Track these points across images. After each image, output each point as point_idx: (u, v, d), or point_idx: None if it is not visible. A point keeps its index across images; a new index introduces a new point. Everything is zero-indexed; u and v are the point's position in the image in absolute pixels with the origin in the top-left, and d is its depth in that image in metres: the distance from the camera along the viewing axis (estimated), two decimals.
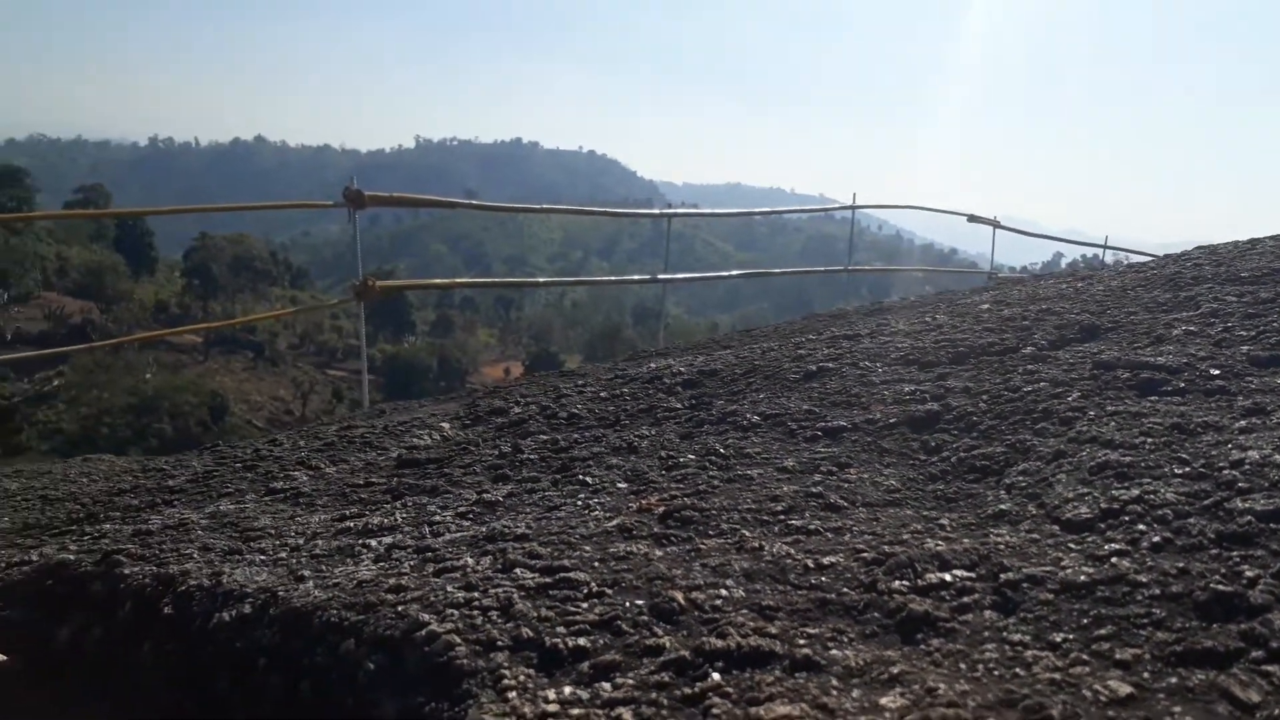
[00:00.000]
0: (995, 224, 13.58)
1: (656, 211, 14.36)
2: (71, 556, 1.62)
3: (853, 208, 13.29)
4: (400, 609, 1.04)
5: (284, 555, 1.40)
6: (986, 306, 3.29)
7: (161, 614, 1.29)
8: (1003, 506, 1.30)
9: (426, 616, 1.00)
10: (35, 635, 1.56)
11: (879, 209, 16.53)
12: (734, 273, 15.76)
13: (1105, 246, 15.97)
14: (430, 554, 1.26)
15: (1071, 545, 1.11)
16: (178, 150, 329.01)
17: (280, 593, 1.18)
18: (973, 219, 13.47)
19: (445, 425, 3.15)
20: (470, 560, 1.20)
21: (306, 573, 1.26)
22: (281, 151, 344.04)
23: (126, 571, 1.46)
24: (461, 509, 1.54)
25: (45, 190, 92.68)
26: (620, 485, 1.60)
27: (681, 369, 3.00)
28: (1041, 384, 1.92)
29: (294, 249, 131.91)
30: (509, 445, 2.22)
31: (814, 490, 1.42)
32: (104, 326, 65.68)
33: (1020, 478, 1.42)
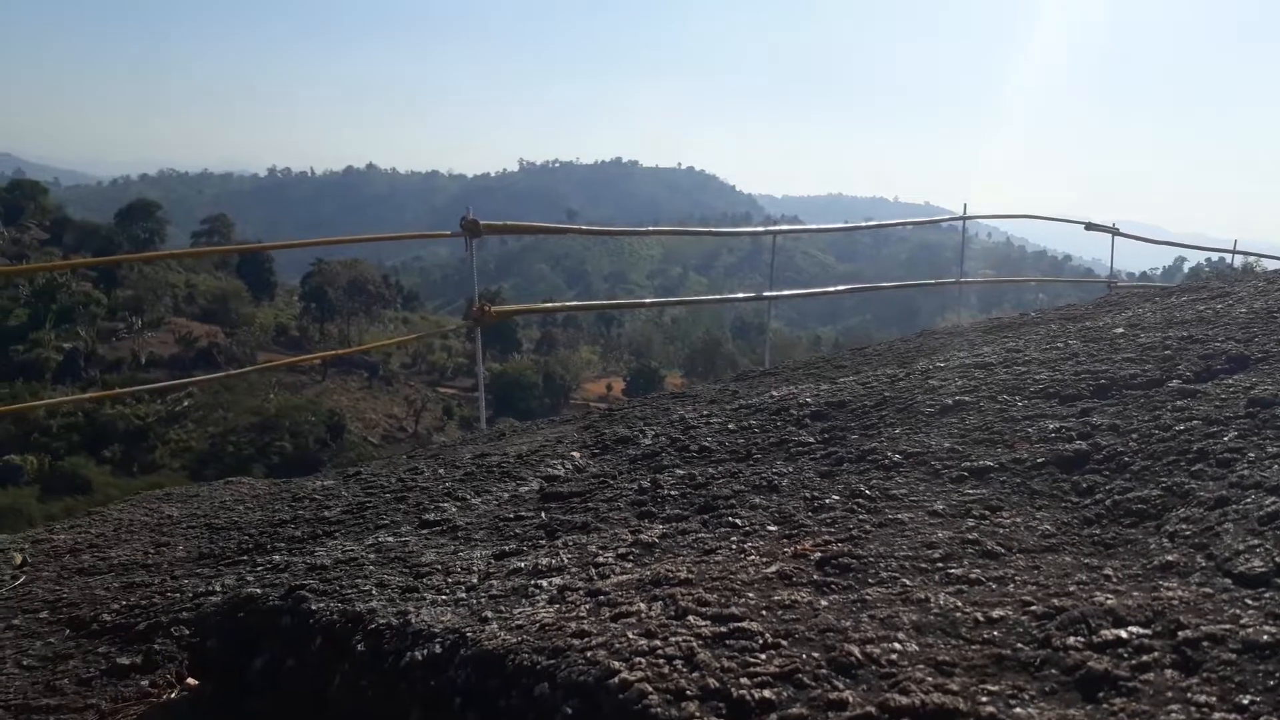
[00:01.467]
0: (1115, 231, 13.07)
1: (761, 230, 14.36)
2: (258, 590, 1.75)
3: (963, 219, 13.01)
4: (589, 654, 1.11)
5: (461, 595, 1.50)
6: (1121, 331, 3.21)
7: (353, 650, 1.40)
8: (1169, 557, 1.29)
9: (617, 664, 1.06)
10: (230, 664, 1.70)
11: (990, 219, 16.12)
12: (841, 288, 15.59)
13: (1234, 251, 15.18)
14: (602, 597, 1.33)
15: (1249, 602, 1.10)
16: (295, 180, 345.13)
17: (468, 634, 1.27)
18: (1090, 227, 13.01)
19: (576, 454, 3.25)
20: (643, 605, 1.26)
21: (489, 614, 1.35)
22: (392, 178, 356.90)
23: (314, 607, 1.58)
24: (620, 550, 1.61)
25: (175, 221, 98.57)
26: (770, 528, 1.64)
27: (808, 399, 3.02)
28: (1194, 422, 1.88)
29: (405, 272, 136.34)
30: (647, 480, 2.29)
31: (969, 536, 1.44)
32: (228, 349, 69.22)
33: (1183, 525, 1.40)
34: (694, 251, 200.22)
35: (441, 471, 3.29)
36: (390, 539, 2.30)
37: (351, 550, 2.17)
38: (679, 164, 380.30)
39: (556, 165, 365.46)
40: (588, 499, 2.27)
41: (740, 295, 12.99)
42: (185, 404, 60.15)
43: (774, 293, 10.68)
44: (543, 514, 2.21)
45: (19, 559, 3.00)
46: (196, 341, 70.19)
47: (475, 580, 1.58)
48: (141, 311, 71.55)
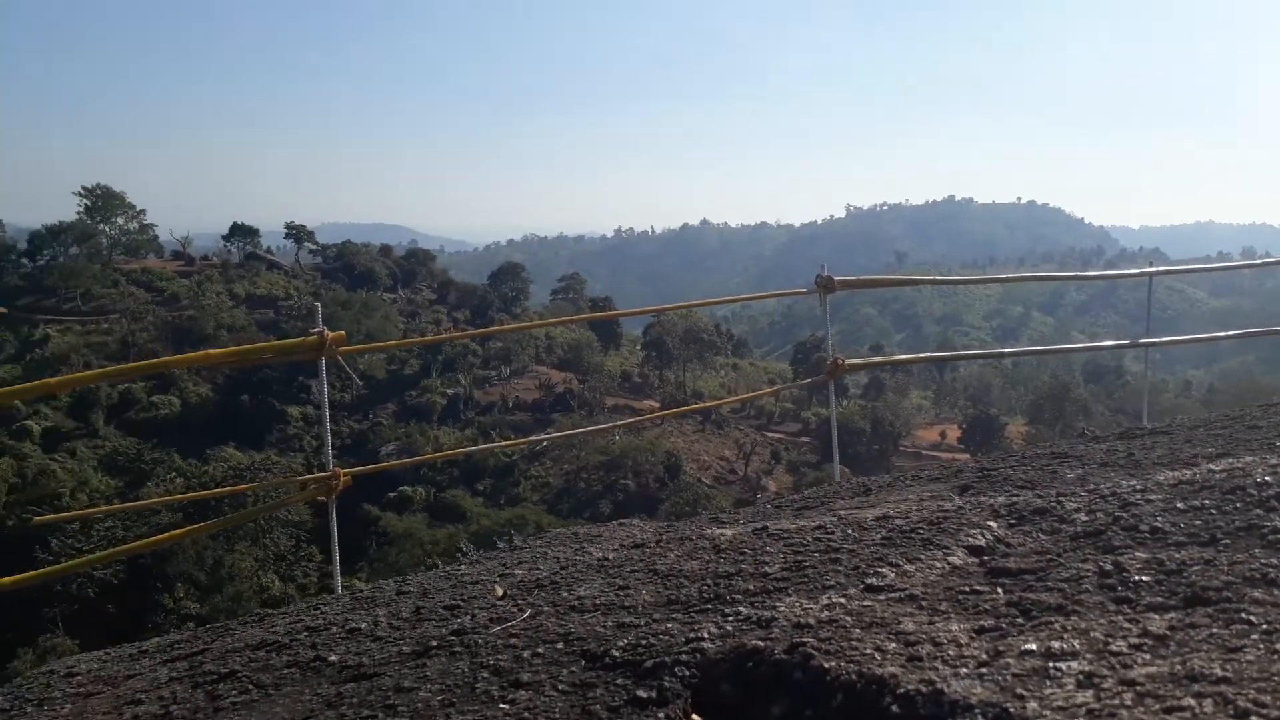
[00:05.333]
0: None
1: (1136, 272, 13.11)
2: (760, 643, 1.99)
3: None
4: None
5: (976, 669, 1.62)
6: None
7: (886, 711, 1.57)
8: None
9: None
10: (741, 709, 1.94)
11: None
12: (1229, 333, 13.82)
13: None
14: (1139, 688, 1.40)
15: None
16: (637, 239, 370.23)
17: (1010, 709, 1.39)
18: None
19: (993, 524, 3.26)
20: (1191, 701, 1.31)
21: (1021, 691, 1.46)
22: (723, 232, 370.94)
23: (825, 665, 1.78)
24: (1131, 639, 1.65)
25: (536, 280, 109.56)
26: None
27: (1266, 477, 2.81)
28: None
29: (734, 320, 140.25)
30: (1107, 563, 2.27)
31: None
32: (581, 394, 75.19)
33: None
34: (1036, 289, 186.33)
35: (850, 532, 3.44)
36: (840, 599, 2.48)
37: (813, 610, 2.37)
38: (1018, 199, 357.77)
39: (884, 208, 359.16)
40: (1043, 577, 2.30)
41: (1109, 343, 11.96)
42: (544, 444, 65.92)
43: (1152, 339, 9.70)
44: (999, 590, 2.27)
45: (500, 591, 3.56)
46: (555, 387, 77.03)
47: (981, 655, 1.69)
48: (509, 361, 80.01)
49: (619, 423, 25.55)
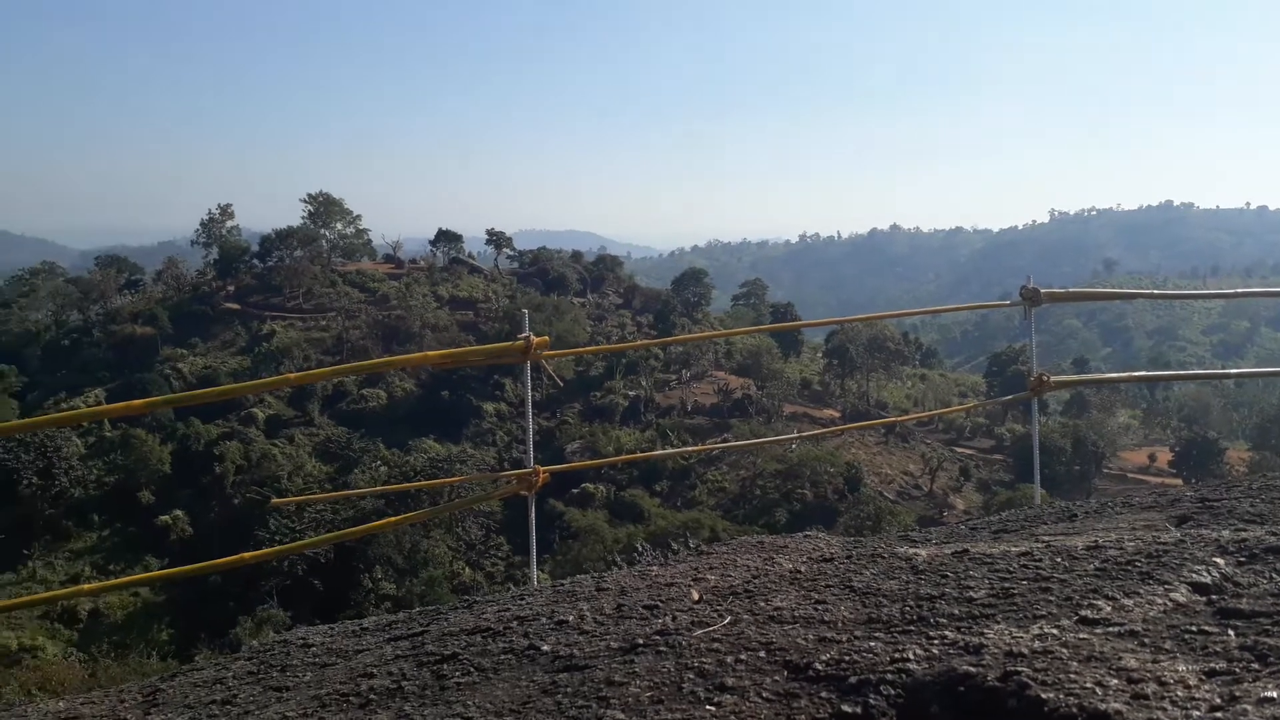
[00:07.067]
0: None
1: None
2: (971, 669, 1.99)
3: None
4: None
5: (1206, 711, 1.57)
6: None
7: None
8: None
9: None
10: None
11: None
12: None
13: None
14: None
15: None
16: (822, 244, 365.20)
17: None
18: None
19: (1220, 561, 3.06)
20: None
21: None
22: (914, 237, 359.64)
23: (1043, 695, 1.76)
24: None
25: (718, 286, 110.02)
26: None
27: None
28: None
29: (923, 329, 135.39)
30: None
31: None
32: (759, 400, 74.82)
33: None
34: (1265, 302, 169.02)
35: (1060, 560, 3.32)
36: (1056, 631, 2.41)
37: (1024, 639, 2.33)
38: (1247, 204, 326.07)
39: (1092, 213, 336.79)
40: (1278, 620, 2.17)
41: None
42: (721, 450, 66.06)
43: None
44: (1231, 632, 2.16)
45: (696, 595, 3.67)
46: (733, 393, 77.09)
47: (1214, 699, 1.63)
48: (689, 365, 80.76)
49: (802, 434, 25.30)
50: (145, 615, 50.57)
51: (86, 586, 14.56)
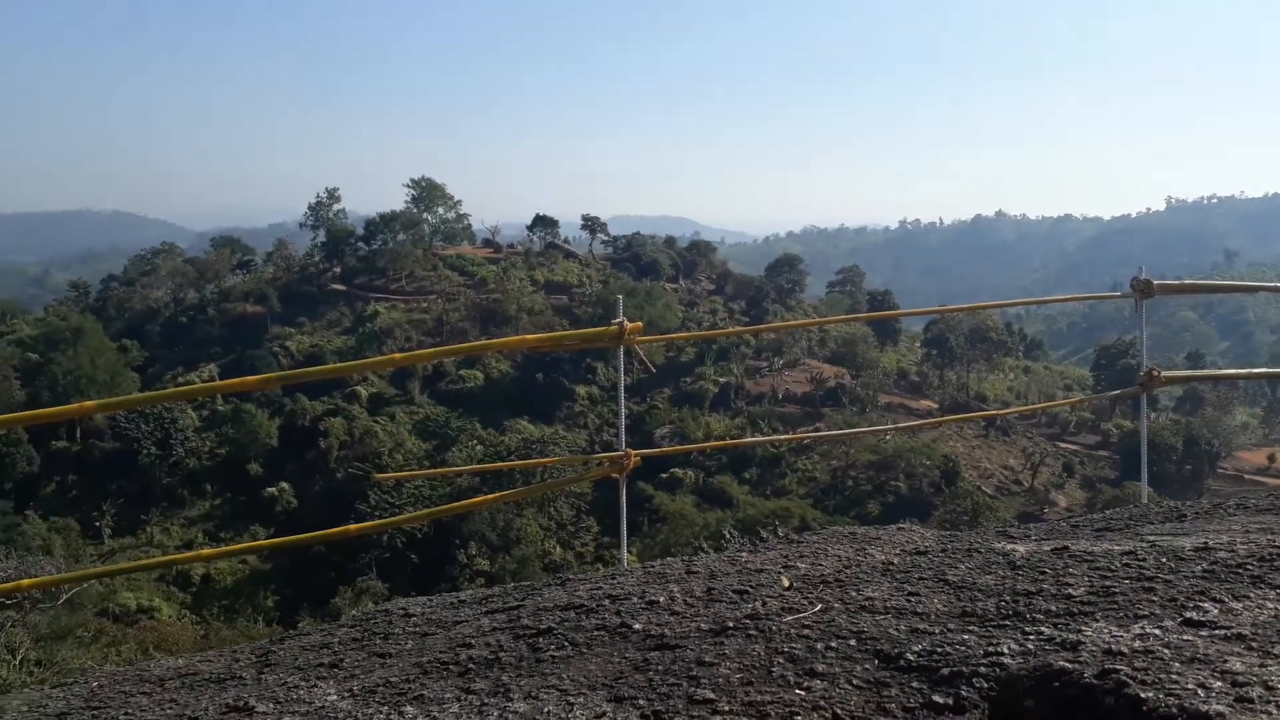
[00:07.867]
0: None
1: None
2: (1068, 665, 1.96)
3: None
4: None
5: None
6: None
7: None
8: None
9: None
10: None
11: None
12: None
13: None
14: None
15: None
16: (923, 230, 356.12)
17: None
18: None
19: None
20: None
21: None
22: (1020, 224, 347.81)
23: (1142, 694, 1.74)
24: None
25: (813, 273, 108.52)
26: None
27: None
28: None
29: (1028, 319, 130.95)
30: None
31: None
32: (853, 390, 73.65)
33: None
34: None
35: (1165, 560, 3.22)
36: (1158, 631, 2.36)
37: (1124, 638, 2.28)
38: None
39: (1213, 201, 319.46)
40: None
41: None
42: (814, 440, 65.30)
43: None
44: None
45: (787, 582, 3.69)
46: (826, 381, 76.06)
47: None
48: (781, 352, 79.98)
49: (898, 425, 24.84)
50: (252, 582, 53.07)
51: (205, 552, 15.41)
